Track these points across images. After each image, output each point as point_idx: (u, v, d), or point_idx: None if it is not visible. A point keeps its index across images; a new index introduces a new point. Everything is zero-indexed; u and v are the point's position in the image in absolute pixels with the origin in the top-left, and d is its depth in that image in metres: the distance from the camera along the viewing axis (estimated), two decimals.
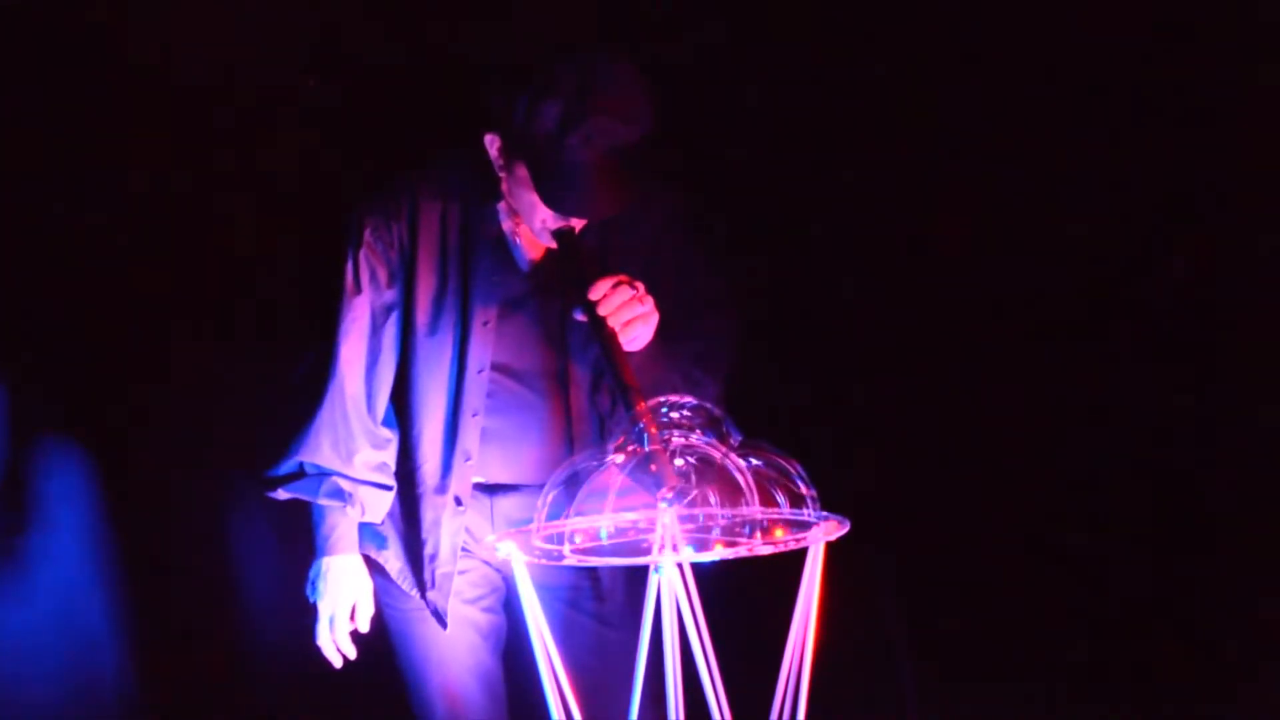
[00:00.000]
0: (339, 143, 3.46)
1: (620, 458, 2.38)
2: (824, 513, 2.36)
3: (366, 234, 2.77)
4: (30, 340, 3.40)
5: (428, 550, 2.79)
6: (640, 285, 2.59)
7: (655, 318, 2.61)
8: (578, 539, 2.41)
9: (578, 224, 2.69)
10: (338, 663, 2.82)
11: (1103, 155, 3.39)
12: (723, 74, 3.49)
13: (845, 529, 2.37)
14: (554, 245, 2.71)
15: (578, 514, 2.36)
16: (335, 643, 2.81)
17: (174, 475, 3.42)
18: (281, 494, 2.79)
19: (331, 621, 2.80)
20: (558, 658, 2.40)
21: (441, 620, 2.79)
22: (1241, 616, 3.30)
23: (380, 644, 2.88)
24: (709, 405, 2.45)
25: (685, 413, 2.43)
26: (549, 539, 2.43)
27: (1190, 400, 3.37)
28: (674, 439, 2.38)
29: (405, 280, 2.78)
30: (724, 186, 3.41)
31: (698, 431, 2.41)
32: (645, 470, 2.34)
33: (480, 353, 2.76)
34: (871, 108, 3.49)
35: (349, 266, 2.77)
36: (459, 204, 2.79)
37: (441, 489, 2.79)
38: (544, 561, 2.49)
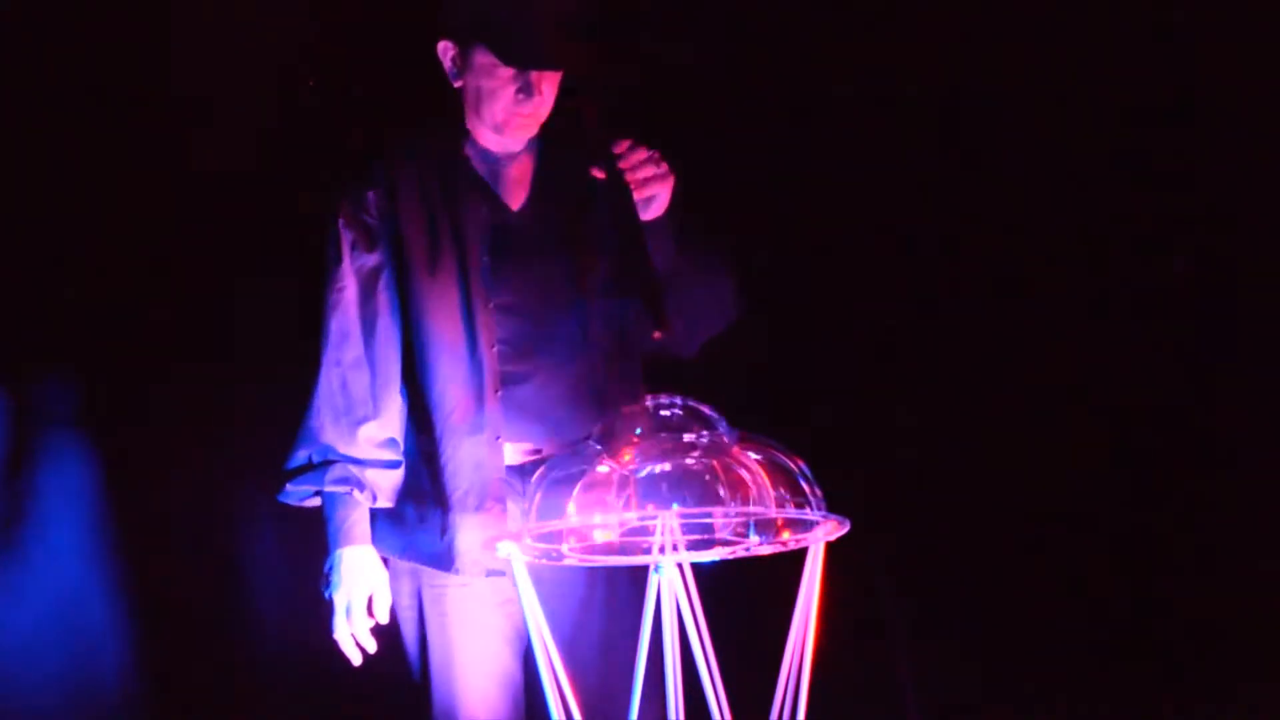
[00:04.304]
0: (336, 141, 3.47)
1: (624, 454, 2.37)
2: (824, 512, 2.35)
3: (341, 206, 2.83)
4: (30, 340, 3.40)
5: (472, 500, 2.72)
6: (658, 154, 2.66)
7: (671, 181, 2.68)
8: (596, 535, 2.41)
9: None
10: (356, 658, 2.73)
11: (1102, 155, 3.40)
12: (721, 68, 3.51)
13: (845, 529, 2.37)
14: (516, 146, 2.82)
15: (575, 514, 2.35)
16: (354, 635, 2.73)
17: (174, 475, 3.42)
18: (289, 489, 2.77)
19: (348, 612, 2.72)
20: (558, 657, 2.40)
21: (479, 569, 2.71)
22: (1245, 616, 3.30)
23: (387, 644, 2.84)
24: (699, 405, 2.43)
25: (677, 411, 2.43)
26: (546, 539, 2.43)
27: (1190, 399, 3.37)
28: (683, 437, 2.37)
29: (391, 239, 2.81)
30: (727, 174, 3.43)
31: (696, 428, 2.40)
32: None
33: (485, 289, 2.78)
34: (873, 98, 3.50)
35: (328, 242, 2.82)
36: (434, 159, 2.85)
37: (477, 427, 2.74)
38: (544, 561, 2.49)
